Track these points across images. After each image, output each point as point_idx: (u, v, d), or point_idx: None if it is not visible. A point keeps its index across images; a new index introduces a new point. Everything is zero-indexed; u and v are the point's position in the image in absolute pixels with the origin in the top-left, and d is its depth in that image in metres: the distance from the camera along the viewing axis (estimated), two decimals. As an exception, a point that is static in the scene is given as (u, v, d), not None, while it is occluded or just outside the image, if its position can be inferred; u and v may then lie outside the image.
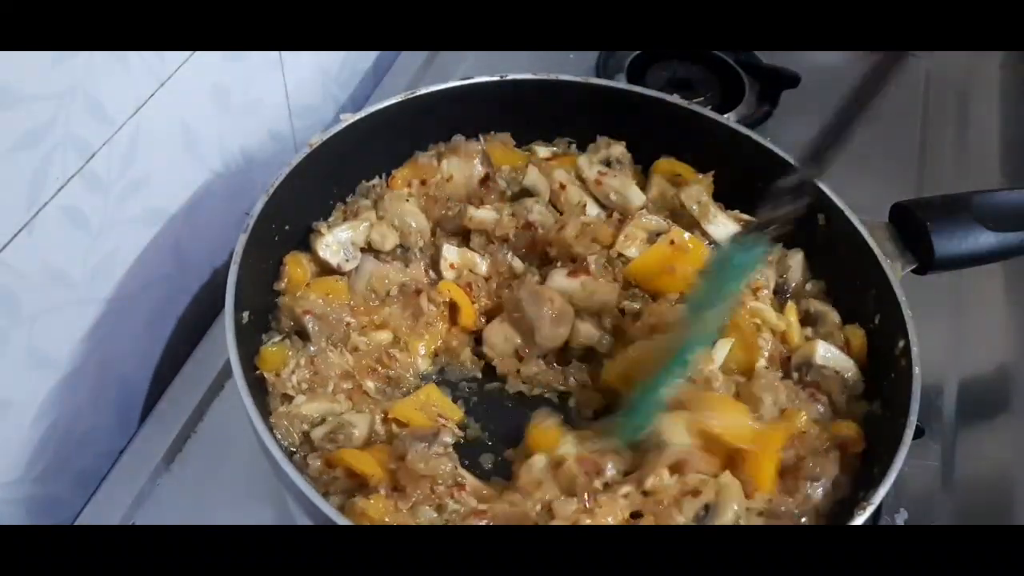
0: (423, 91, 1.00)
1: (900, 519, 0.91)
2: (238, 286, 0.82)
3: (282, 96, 1.14)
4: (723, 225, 0.97)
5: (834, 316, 0.93)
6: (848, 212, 0.93)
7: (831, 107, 0.73)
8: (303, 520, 0.84)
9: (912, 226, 0.92)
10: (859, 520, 0.73)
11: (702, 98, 1.24)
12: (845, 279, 0.94)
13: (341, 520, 0.71)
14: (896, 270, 0.90)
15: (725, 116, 1.07)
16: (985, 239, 0.92)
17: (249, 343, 0.85)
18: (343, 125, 0.96)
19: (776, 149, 0.98)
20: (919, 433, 0.93)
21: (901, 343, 0.85)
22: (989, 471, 0.97)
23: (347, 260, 0.94)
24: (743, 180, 0.96)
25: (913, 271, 0.93)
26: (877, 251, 0.90)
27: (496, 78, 1.03)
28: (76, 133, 0.79)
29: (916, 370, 0.81)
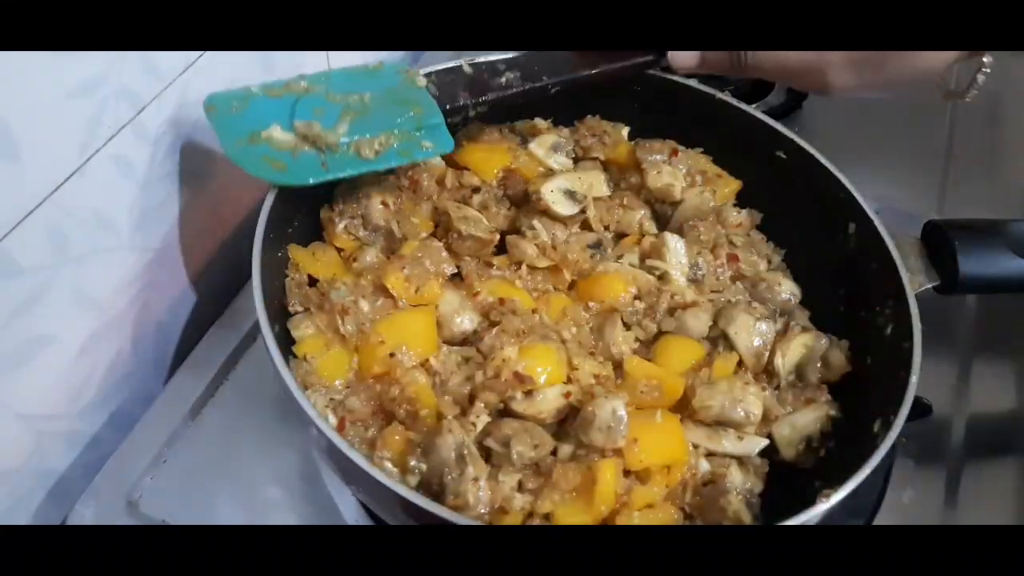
0: (475, 59, 0.99)
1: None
2: (264, 238, 0.85)
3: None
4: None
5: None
6: (877, 222, 0.94)
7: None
8: (324, 464, 0.88)
9: (941, 245, 0.93)
10: (821, 507, 0.73)
11: (733, 87, 1.25)
12: (868, 289, 0.95)
13: (360, 460, 0.73)
14: (914, 283, 0.90)
15: (752, 106, 1.09)
16: (1014, 266, 0.91)
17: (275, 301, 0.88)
18: None
19: (802, 141, 1.01)
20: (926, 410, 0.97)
21: (906, 344, 0.86)
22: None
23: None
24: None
25: (937, 289, 0.93)
26: (899, 262, 0.91)
27: (515, 55, 1.00)
28: (129, 86, 0.84)
29: (913, 378, 0.82)
